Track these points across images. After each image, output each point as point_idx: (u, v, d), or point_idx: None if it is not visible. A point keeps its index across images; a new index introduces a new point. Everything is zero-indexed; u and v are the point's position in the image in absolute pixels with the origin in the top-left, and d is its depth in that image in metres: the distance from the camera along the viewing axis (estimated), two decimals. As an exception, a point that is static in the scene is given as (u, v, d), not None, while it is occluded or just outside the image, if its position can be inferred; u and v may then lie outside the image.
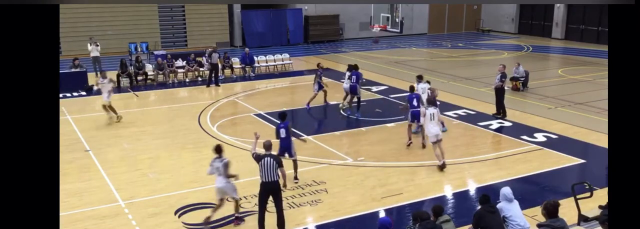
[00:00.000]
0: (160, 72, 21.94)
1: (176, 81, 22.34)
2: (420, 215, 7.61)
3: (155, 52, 25.21)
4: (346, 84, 17.05)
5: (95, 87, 16.54)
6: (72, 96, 19.78)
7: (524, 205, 8.94)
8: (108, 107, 16.22)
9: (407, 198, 10.91)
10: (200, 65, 22.63)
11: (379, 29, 24.40)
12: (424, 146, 13.82)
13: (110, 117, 16.29)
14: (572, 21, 34.08)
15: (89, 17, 27.85)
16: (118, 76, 21.42)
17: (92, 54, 23.00)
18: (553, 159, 13.08)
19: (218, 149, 9.56)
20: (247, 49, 24.18)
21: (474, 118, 16.59)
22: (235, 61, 23.86)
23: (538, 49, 30.95)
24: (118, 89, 21.09)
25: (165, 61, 22.19)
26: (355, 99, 17.23)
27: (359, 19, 33.92)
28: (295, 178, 11.77)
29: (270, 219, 9.65)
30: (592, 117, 16.50)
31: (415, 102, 14.01)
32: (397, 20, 23.23)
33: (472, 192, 11.46)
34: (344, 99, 17.47)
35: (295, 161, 11.79)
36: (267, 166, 9.17)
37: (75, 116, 16.92)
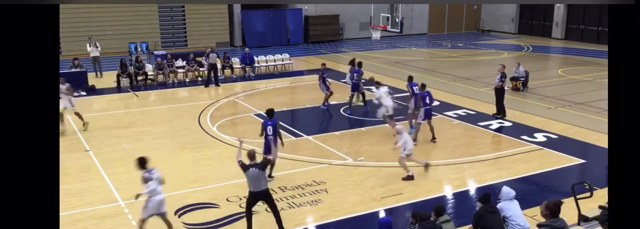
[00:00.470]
0: (160, 72, 21.93)
1: (176, 81, 22.34)
2: (420, 215, 7.61)
3: (155, 52, 25.21)
4: (349, 81, 17.37)
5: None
6: (72, 96, 19.71)
7: (524, 205, 8.93)
8: (74, 114, 15.46)
9: (407, 198, 10.91)
10: (200, 65, 22.63)
11: (379, 30, 24.49)
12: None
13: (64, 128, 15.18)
14: (572, 21, 34.08)
15: (89, 17, 27.84)
16: (118, 75, 21.43)
17: (92, 54, 22.99)
18: (553, 159, 13.08)
19: (143, 162, 8.98)
20: (247, 49, 24.18)
21: (474, 118, 16.59)
22: (235, 61, 23.86)
23: (538, 49, 30.95)
24: (118, 89, 21.15)
25: (165, 61, 22.19)
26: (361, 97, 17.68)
27: (359, 19, 33.92)
28: (269, 175, 11.44)
29: (270, 219, 9.66)
30: (592, 117, 16.50)
31: (427, 100, 14.10)
32: (397, 20, 23.26)
33: (472, 192, 11.46)
34: (351, 97, 17.59)
35: (272, 161, 11.43)
36: (254, 176, 9.09)
37: (76, 116, 16.88)
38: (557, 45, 33.07)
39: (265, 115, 12.23)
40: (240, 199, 10.72)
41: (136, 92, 20.59)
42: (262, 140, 11.87)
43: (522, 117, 16.64)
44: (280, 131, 12.29)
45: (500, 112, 16.59)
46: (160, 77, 22.06)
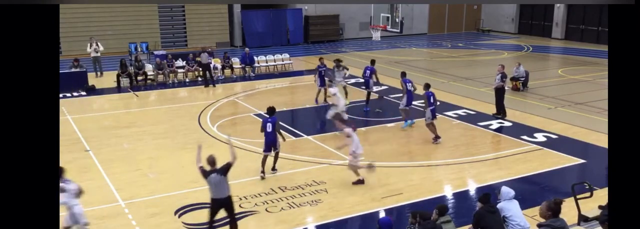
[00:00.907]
0: (160, 72, 21.93)
1: (176, 81, 22.33)
2: (421, 214, 7.61)
3: (155, 52, 25.22)
4: (337, 80, 17.85)
5: None
6: (72, 96, 19.77)
7: (524, 205, 8.93)
8: None
9: (407, 198, 10.91)
10: (200, 65, 22.61)
11: (379, 30, 24.49)
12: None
13: None
14: (572, 21, 34.07)
15: (89, 17, 27.83)
16: (118, 75, 21.43)
17: (92, 55, 23.00)
18: (553, 159, 13.08)
19: (59, 171, 8.52)
20: (247, 49, 24.17)
21: (474, 118, 16.59)
22: (235, 61, 23.86)
23: (538, 49, 30.95)
24: (118, 89, 21.14)
25: (165, 61, 22.19)
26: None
27: (359, 19, 33.92)
28: (273, 168, 12.06)
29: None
30: (592, 117, 16.50)
31: (432, 100, 14.18)
32: (397, 20, 23.27)
33: (472, 192, 11.46)
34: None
35: (277, 153, 12.02)
36: (215, 182, 8.86)
37: (75, 116, 16.91)
38: (557, 45, 33.07)
39: (265, 114, 12.28)
40: (240, 199, 10.74)
41: (136, 92, 20.59)
42: (262, 140, 11.91)
43: (522, 117, 16.64)
44: (281, 130, 12.36)
45: (501, 112, 16.60)
46: (160, 77, 22.05)
